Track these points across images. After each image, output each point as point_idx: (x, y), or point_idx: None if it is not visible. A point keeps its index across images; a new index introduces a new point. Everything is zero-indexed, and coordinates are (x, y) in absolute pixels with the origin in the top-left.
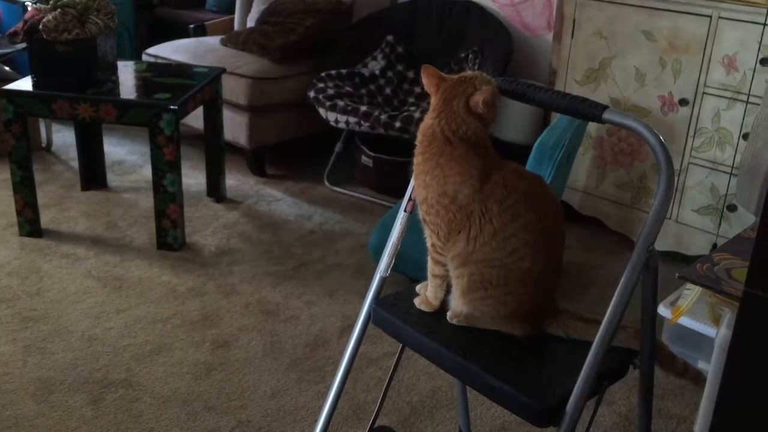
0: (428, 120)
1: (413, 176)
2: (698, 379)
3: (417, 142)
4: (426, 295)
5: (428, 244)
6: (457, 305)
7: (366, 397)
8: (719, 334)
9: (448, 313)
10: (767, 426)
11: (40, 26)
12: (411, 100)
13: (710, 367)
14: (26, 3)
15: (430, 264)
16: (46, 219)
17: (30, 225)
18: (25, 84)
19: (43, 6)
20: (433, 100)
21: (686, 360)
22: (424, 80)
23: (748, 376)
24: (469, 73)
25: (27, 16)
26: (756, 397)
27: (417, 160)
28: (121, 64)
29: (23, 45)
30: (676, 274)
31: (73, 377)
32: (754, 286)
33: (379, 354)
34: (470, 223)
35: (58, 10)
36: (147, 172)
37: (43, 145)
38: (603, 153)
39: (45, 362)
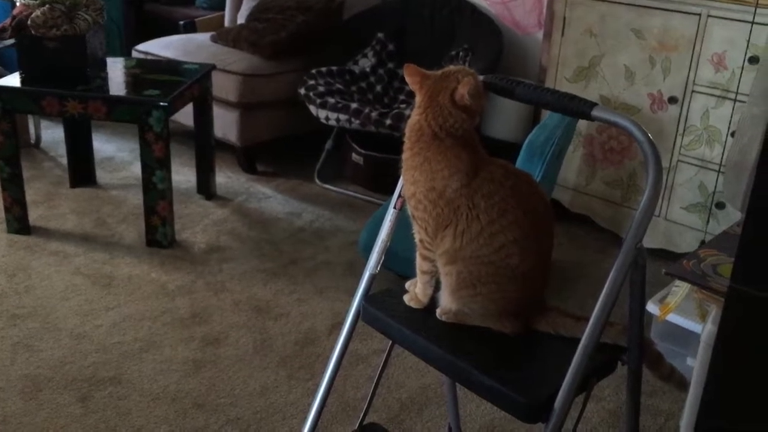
0: (415, 116)
1: (402, 173)
2: (683, 384)
3: (405, 139)
4: (415, 292)
5: (416, 239)
6: (446, 302)
7: (355, 394)
8: (705, 329)
9: (438, 310)
10: (751, 421)
11: (29, 22)
12: (402, 97)
13: (696, 362)
14: None
15: (418, 260)
16: (34, 216)
17: (18, 222)
18: (13, 80)
19: (31, 2)
20: (418, 97)
21: (675, 355)
22: (407, 79)
23: (733, 372)
24: (451, 67)
25: (15, 11)
26: (741, 392)
27: (405, 155)
28: (110, 60)
29: (11, 41)
30: (663, 271)
31: (62, 375)
32: (739, 282)
33: (369, 351)
34: (457, 219)
35: (47, 6)
36: (136, 169)
37: (32, 141)
38: (593, 151)
39: (33, 360)
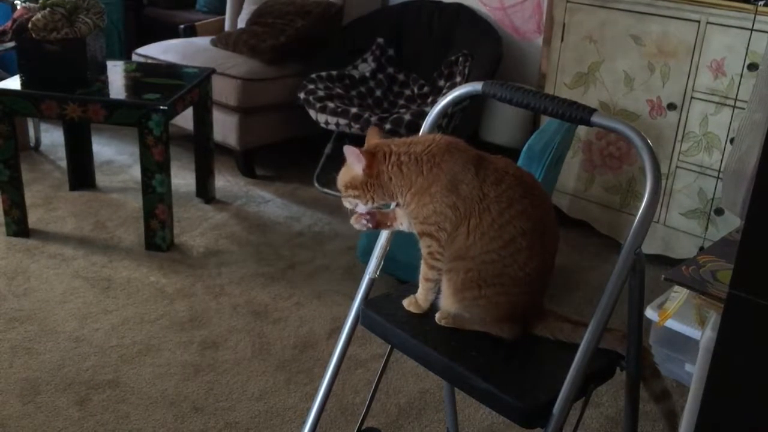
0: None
1: (411, 205)
2: (672, 414)
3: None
4: (416, 297)
5: (425, 252)
6: (446, 305)
7: (354, 398)
8: (704, 335)
9: (437, 315)
10: (751, 428)
11: (29, 25)
12: (401, 102)
13: (695, 368)
14: (15, 2)
15: (424, 268)
16: (33, 219)
17: (17, 225)
18: (13, 83)
19: (32, 5)
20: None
21: (674, 361)
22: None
23: (732, 378)
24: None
25: (16, 15)
26: (740, 398)
27: (419, 186)
28: (110, 63)
29: (12, 44)
30: (662, 276)
31: (60, 378)
32: (739, 288)
33: (368, 356)
34: (470, 213)
35: (47, 9)
36: (136, 172)
37: (32, 144)
38: (592, 157)
39: (31, 363)
